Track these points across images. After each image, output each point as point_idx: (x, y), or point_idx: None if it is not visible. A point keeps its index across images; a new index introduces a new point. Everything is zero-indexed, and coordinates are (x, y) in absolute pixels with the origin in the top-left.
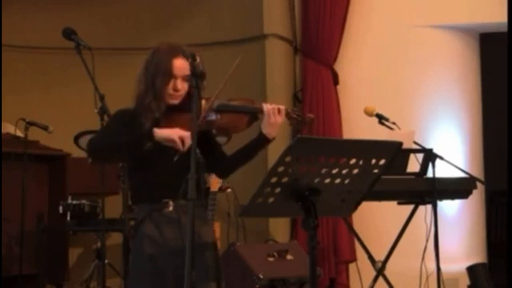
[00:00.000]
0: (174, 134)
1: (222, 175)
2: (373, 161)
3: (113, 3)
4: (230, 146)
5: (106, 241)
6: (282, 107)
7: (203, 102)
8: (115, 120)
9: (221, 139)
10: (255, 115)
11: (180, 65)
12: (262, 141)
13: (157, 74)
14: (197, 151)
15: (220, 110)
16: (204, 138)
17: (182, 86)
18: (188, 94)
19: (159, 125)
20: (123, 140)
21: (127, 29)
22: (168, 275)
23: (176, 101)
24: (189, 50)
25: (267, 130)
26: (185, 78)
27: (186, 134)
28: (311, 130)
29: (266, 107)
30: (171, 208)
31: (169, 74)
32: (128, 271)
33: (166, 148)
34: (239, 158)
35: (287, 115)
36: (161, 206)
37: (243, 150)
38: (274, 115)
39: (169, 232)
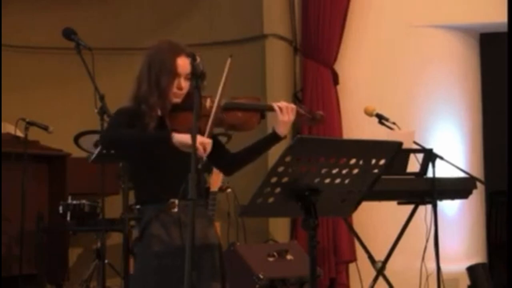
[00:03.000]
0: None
1: (228, 171)
2: (373, 161)
3: (113, 3)
4: (231, 145)
5: (106, 241)
6: (294, 106)
7: (208, 100)
8: (121, 116)
9: (221, 139)
10: (263, 113)
11: (184, 63)
12: (275, 139)
13: (161, 73)
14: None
15: (229, 108)
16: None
17: (185, 85)
18: (189, 93)
19: (163, 124)
20: (141, 137)
21: (127, 29)
22: (173, 273)
23: (179, 100)
24: (189, 50)
25: (280, 128)
26: (187, 77)
27: (207, 141)
28: (311, 130)
29: (277, 105)
30: (177, 209)
31: (174, 73)
32: (134, 271)
33: (171, 149)
34: (248, 155)
35: (298, 113)
36: (167, 207)
37: (254, 147)
38: (288, 113)
39: (175, 232)
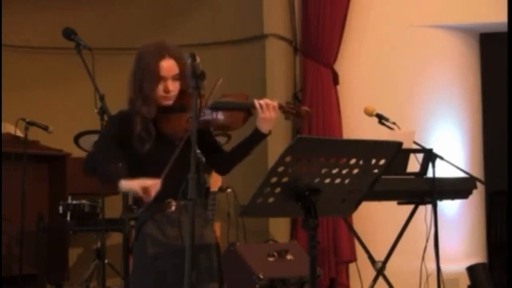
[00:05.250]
0: (137, 185)
1: (222, 171)
2: (373, 161)
3: (113, 3)
4: (230, 146)
5: (106, 241)
6: (275, 103)
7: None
8: (107, 131)
9: (221, 140)
10: (249, 111)
11: (168, 66)
12: (257, 136)
13: (144, 78)
14: (198, 151)
15: (214, 108)
16: (202, 137)
17: (174, 87)
18: (180, 93)
19: (149, 127)
20: (101, 174)
21: (128, 29)
22: (170, 274)
23: (170, 102)
24: (181, 50)
25: (261, 126)
26: (175, 78)
27: (150, 183)
28: (311, 129)
29: (257, 102)
30: (173, 208)
31: (157, 77)
32: (131, 272)
33: (163, 150)
34: (236, 154)
35: (281, 108)
36: (163, 207)
37: (240, 146)
38: (268, 110)
39: (171, 232)
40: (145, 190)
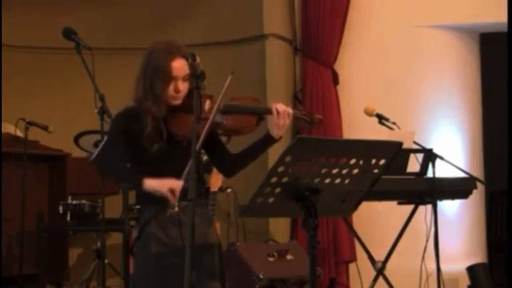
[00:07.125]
0: (164, 186)
1: (228, 173)
2: (373, 161)
3: (113, 3)
4: (230, 145)
5: (106, 241)
6: (291, 111)
7: (208, 101)
8: (114, 128)
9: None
10: (262, 116)
11: (179, 66)
12: (270, 141)
13: (155, 77)
14: (203, 151)
15: (227, 111)
16: (210, 138)
17: (184, 87)
18: (189, 93)
19: (160, 128)
20: (119, 174)
21: (127, 29)
22: (172, 274)
23: (178, 102)
24: (188, 50)
25: (275, 131)
26: (185, 78)
27: (176, 184)
28: (311, 130)
29: (276, 109)
30: (177, 209)
31: (169, 77)
32: (133, 271)
33: (171, 150)
34: (245, 158)
35: (295, 116)
36: (167, 207)
37: (249, 150)
38: (284, 118)
39: (173, 232)
40: (172, 190)
